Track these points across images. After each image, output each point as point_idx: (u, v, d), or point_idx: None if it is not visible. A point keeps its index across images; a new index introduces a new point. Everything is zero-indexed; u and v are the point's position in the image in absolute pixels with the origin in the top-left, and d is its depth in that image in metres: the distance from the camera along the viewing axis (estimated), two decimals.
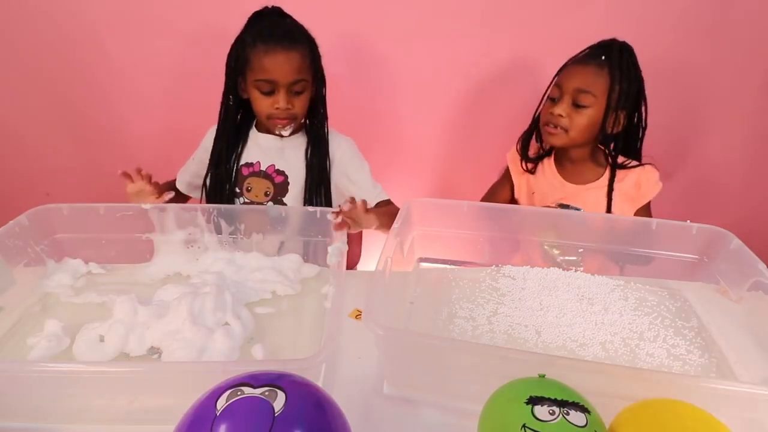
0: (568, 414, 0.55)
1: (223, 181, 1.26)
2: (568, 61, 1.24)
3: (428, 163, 1.72)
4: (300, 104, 1.20)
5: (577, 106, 1.19)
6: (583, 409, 0.56)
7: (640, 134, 1.26)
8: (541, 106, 1.30)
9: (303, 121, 1.28)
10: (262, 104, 1.19)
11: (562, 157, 1.32)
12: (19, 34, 1.47)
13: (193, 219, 1.04)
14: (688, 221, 1.01)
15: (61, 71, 1.53)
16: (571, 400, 0.57)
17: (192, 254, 1.05)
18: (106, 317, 0.86)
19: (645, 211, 1.29)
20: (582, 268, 1.05)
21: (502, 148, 1.43)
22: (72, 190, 1.69)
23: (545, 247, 1.10)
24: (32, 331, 0.85)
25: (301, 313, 0.93)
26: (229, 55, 1.20)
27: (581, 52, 1.24)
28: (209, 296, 0.86)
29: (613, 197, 1.26)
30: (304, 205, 1.26)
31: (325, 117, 1.26)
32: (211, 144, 1.27)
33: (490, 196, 1.41)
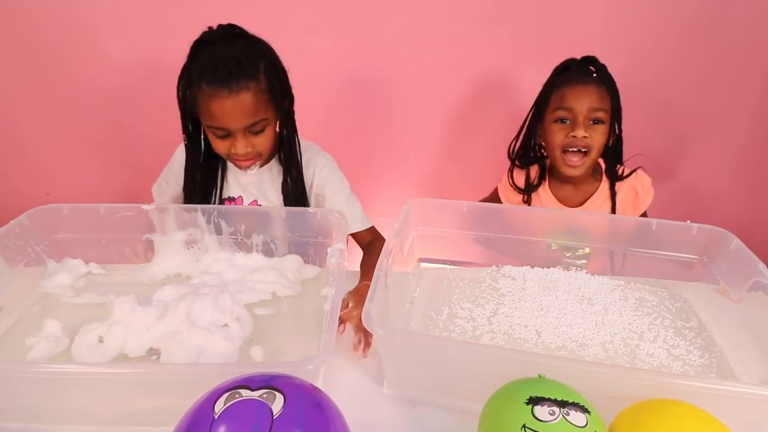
0: (568, 414, 0.55)
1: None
2: (555, 82, 1.23)
3: (424, 166, 1.72)
4: (262, 142, 1.08)
5: (594, 123, 1.19)
6: (583, 410, 0.56)
7: (621, 141, 1.27)
8: (525, 132, 1.28)
9: (278, 147, 1.17)
10: (220, 147, 1.08)
11: (558, 180, 1.30)
12: (19, 34, 1.47)
13: (193, 220, 1.04)
14: (688, 221, 1.01)
15: (61, 71, 1.53)
16: (571, 401, 0.57)
17: (192, 255, 1.05)
18: (106, 318, 0.85)
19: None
20: (584, 268, 1.05)
21: (499, 151, 1.44)
22: (72, 190, 1.69)
23: (549, 247, 1.09)
24: (31, 332, 0.85)
25: (301, 314, 0.93)
26: (178, 90, 1.08)
27: (562, 72, 1.23)
28: (208, 297, 0.86)
29: (616, 206, 1.26)
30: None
31: (294, 140, 1.14)
32: (183, 163, 1.17)
33: None
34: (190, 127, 1.12)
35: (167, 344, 0.81)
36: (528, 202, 1.31)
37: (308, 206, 1.20)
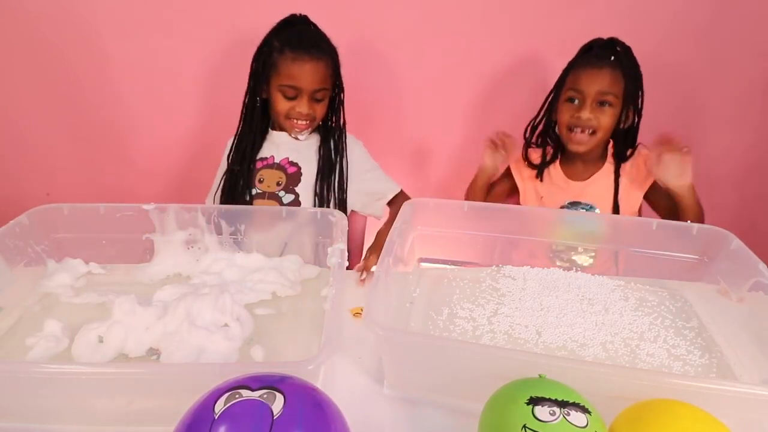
0: (568, 414, 0.55)
1: (240, 178, 1.28)
2: (575, 62, 1.27)
3: (425, 166, 1.72)
4: (320, 110, 1.26)
5: (601, 105, 1.23)
6: (584, 410, 0.56)
7: (638, 124, 1.30)
8: (544, 111, 1.33)
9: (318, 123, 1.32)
10: (284, 106, 1.23)
11: (567, 158, 1.35)
12: (20, 34, 1.47)
13: (193, 219, 1.04)
14: (689, 221, 1.00)
15: (62, 71, 1.53)
16: (571, 401, 0.56)
17: (192, 255, 1.05)
18: (106, 318, 0.85)
19: (657, 190, 1.28)
20: (591, 267, 1.05)
21: None
22: (72, 190, 1.69)
23: (549, 246, 1.10)
24: (31, 332, 0.85)
25: (301, 314, 0.93)
26: (256, 59, 1.24)
27: (585, 53, 1.27)
28: (208, 297, 0.86)
29: (623, 179, 1.30)
30: (315, 195, 1.29)
31: (343, 123, 1.32)
32: (229, 150, 1.32)
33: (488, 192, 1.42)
34: (257, 100, 1.27)
35: (167, 344, 0.81)
36: (540, 177, 1.36)
37: (341, 174, 1.31)
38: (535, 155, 1.37)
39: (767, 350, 0.83)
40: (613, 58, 1.23)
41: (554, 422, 0.54)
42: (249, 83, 1.27)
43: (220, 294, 0.87)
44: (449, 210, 1.07)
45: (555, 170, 1.36)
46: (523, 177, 1.39)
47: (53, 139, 1.63)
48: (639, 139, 1.32)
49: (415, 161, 1.71)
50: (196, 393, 0.54)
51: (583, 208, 1.32)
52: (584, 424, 0.54)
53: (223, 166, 1.33)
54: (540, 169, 1.36)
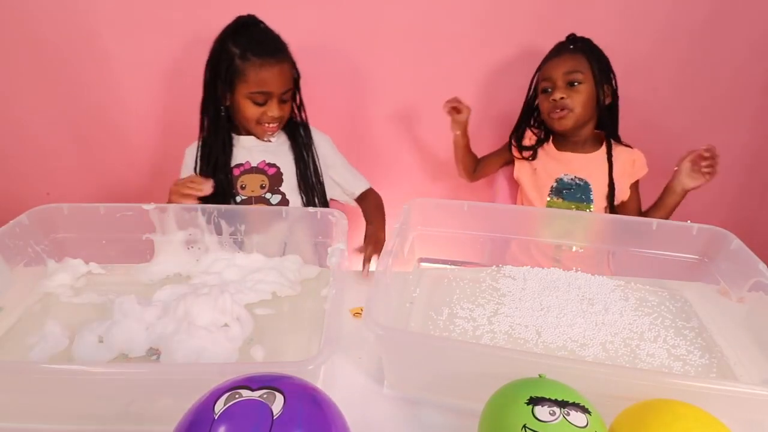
0: (568, 414, 0.55)
1: (225, 187, 1.26)
2: (542, 62, 1.37)
3: (425, 166, 1.72)
4: (287, 110, 1.26)
5: (571, 85, 1.31)
6: (584, 410, 0.56)
7: (616, 105, 1.38)
8: (525, 109, 1.43)
9: None
10: (254, 113, 1.22)
11: (561, 141, 1.41)
12: (20, 34, 1.47)
13: (193, 219, 1.04)
14: (689, 221, 1.01)
15: (62, 71, 1.53)
16: (571, 401, 0.56)
17: (192, 255, 1.05)
18: (106, 318, 0.86)
19: (636, 189, 1.40)
20: (583, 267, 1.05)
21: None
22: (72, 190, 1.69)
23: (549, 246, 1.10)
24: (31, 332, 0.85)
25: (301, 314, 0.93)
26: (214, 66, 1.22)
27: (549, 53, 1.37)
28: (208, 297, 0.86)
29: (614, 165, 1.36)
30: (300, 192, 1.30)
31: (302, 110, 1.32)
32: (194, 161, 1.29)
33: (482, 161, 1.52)
34: (222, 108, 1.25)
35: (167, 344, 0.81)
36: (534, 156, 1.43)
37: (318, 166, 1.34)
38: (529, 140, 1.45)
39: (767, 350, 0.83)
40: (572, 46, 1.33)
41: (554, 422, 0.54)
42: (207, 91, 1.25)
43: (220, 294, 0.87)
44: (449, 210, 1.07)
45: (550, 148, 1.43)
46: (520, 156, 1.46)
47: (53, 138, 1.63)
48: (633, 133, 1.40)
49: (415, 161, 1.71)
50: (196, 393, 0.54)
51: (578, 183, 1.37)
52: (584, 424, 0.54)
53: (188, 167, 1.31)
54: (534, 149, 1.43)
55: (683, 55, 1.51)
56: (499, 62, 1.55)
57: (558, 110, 1.32)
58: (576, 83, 1.30)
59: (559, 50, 1.35)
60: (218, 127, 1.27)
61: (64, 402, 0.71)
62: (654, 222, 1.02)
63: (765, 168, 1.68)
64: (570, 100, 1.31)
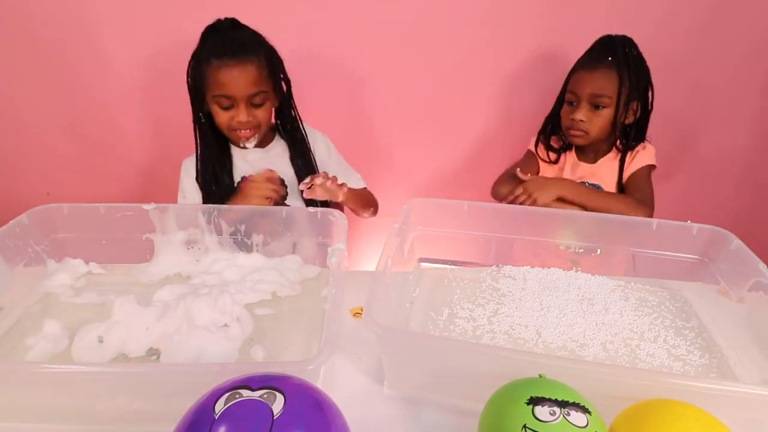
0: (568, 414, 0.55)
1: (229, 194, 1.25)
2: (577, 64, 1.32)
3: (425, 166, 1.72)
4: (262, 114, 1.20)
5: (596, 108, 1.28)
6: (584, 410, 0.56)
7: (648, 117, 1.34)
8: (556, 107, 1.39)
9: (276, 127, 1.31)
10: (223, 118, 1.18)
11: (580, 148, 1.41)
12: (20, 34, 1.47)
13: (193, 219, 1.04)
14: (689, 221, 1.00)
15: (62, 71, 1.53)
16: (571, 401, 0.56)
17: (192, 255, 1.05)
18: (106, 318, 0.85)
19: (635, 179, 1.35)
20: (584, 267, 1.05)
21: (499, 150, 1.43)
22: (72, 190, 1.69)
23: (549, 246, 1.10)
24: (31, 332, 0.85)
25: (301, 314, 0.93)
26: (187, 73, 1.20)
27: (587, 53, 1.30)
28: (208, 297, 0.86)
29: (624, 171, 1.36)
30: (303, 201, 1.27)
31: (296, 118, 1.28)
32: (193, 174, 1.27)
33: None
34: (201, 116, 1.22)
35: (167, 344, 0.81)
36: (557, 160, 1.43)
37: (314, 172, 1.29)
38: (555, 144, 1.45)
39: (767, 350, 0.83)
40: (610, 58, 1.26)
41: (554, 422, 0.54)
42: (191, 103, 1.22)
43: (220, 294, 0.87)
44: (449, 210, 1.07)
45: (571, 155, 1.43)
46: (544, 158, 1.45)
47: (53, 138, 1.63)
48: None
49: (415, 161, 1.71)
50: (196, 393, 0.54)
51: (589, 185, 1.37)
52: (584, 424, 0.54)
53: (188, 189, 1.29)
54: (558, 153, 1.43)
55: (682, 55, 1.51)
56: (499, 62, 1.55)
57: (575, 129, 1.31)
58: (600, 107, 1.28)
59: (595, 61, 1.28)
60: (205, 137, 1.24)
61: (64, 402, 0.71)
62: (654, 222, 1.02)
63: (765, 168, 1.68)
64: (589, 124, 1.29)
